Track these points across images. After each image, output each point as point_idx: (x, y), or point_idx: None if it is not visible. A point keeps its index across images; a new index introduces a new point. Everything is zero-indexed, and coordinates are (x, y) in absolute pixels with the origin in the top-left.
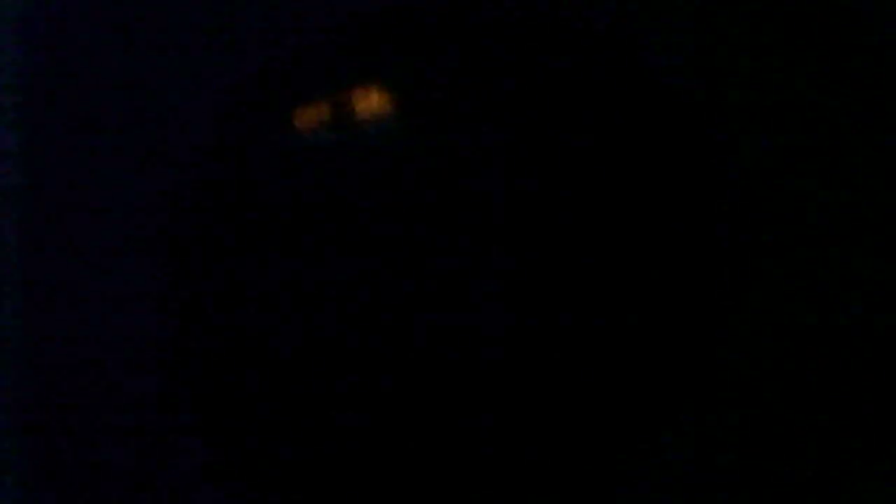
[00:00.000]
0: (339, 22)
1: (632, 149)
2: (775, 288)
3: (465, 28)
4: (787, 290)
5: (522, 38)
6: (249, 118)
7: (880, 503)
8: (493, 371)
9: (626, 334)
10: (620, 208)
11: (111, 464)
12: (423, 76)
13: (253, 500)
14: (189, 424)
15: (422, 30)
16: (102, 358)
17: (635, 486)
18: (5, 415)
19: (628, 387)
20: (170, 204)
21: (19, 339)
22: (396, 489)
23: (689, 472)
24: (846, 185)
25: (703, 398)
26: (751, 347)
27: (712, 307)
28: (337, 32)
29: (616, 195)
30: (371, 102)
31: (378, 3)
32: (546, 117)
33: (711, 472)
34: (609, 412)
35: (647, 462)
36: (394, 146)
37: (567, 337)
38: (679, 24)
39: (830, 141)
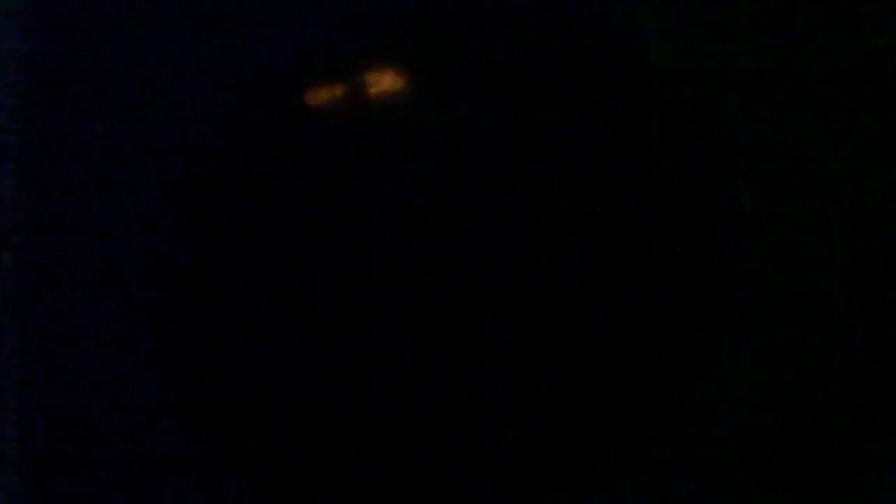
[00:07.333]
0: (337, 21)
1: (630, 147)
2: (775, 288)
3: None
4: (787, 289)
5: (523, 34)
6: (250, 115)
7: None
8: (494, 365)
9: (627, 333)
10: (621, 208)
11: (109, 465)
12: (422, 73)
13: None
14: (185, 424)
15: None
16: (100, 358)
17: (635, 485)
18: (5, 415)
19: (628, 388)
20: (170, 201)
21: (19, 343)
22: (393, 489)
23: (689, 471)
24: (845, 184)
25: (704, 396)
26: (749, 347)
27: (712, 307)
28: (336, 32)
29: (618, 194)
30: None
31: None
32: (542, 116)
33: (710, 471)
34: (608, 413)
35: (646, 462)
36: (393, 142)
37: (569, 334)
38: (672, 22)
39: (829, 141)
